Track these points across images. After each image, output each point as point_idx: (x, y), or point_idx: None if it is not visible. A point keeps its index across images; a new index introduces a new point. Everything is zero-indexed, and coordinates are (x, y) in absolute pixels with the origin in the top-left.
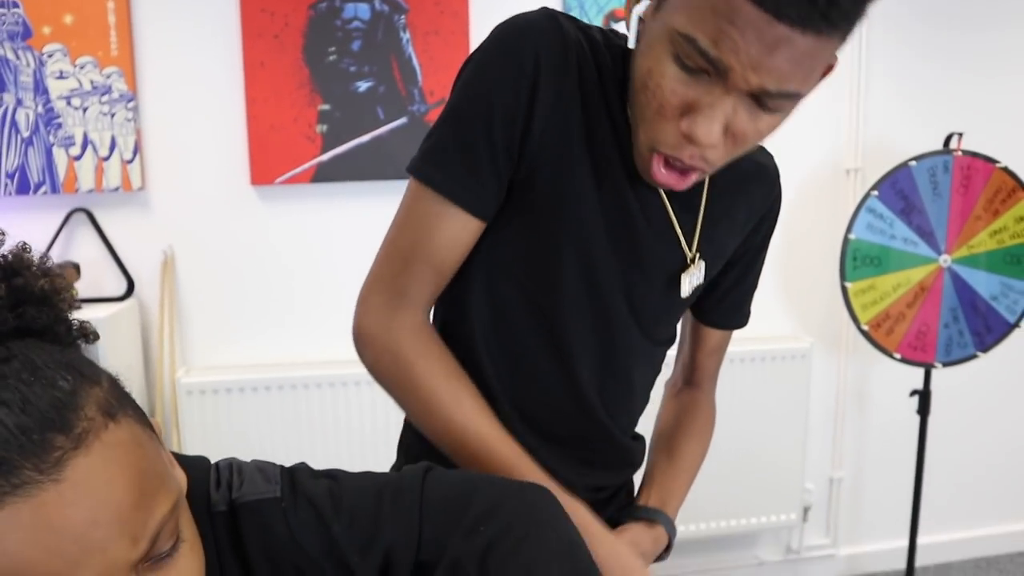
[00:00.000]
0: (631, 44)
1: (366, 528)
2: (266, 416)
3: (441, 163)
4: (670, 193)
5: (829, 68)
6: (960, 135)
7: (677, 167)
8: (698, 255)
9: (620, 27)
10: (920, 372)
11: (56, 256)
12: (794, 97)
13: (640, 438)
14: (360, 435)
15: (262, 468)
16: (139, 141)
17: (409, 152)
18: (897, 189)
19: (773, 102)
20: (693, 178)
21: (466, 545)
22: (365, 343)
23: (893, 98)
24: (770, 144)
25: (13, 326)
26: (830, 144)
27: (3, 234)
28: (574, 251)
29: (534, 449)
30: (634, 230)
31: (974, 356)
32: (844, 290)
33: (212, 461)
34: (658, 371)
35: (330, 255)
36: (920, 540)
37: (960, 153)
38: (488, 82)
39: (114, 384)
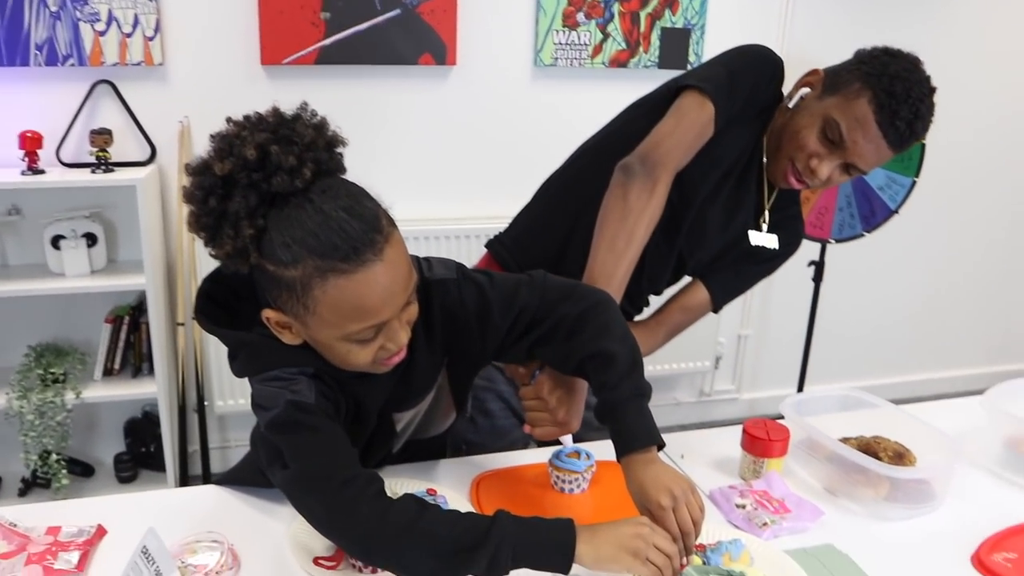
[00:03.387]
0: (791, 105)
1: (509, 297)
2: None
3: (716, 91)
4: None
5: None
6: None
7: (796, 178)
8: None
9: None
10: (818, 247)
11: (82, 123)
12: (863, 172)
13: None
14: None
15: (441, 260)
16: (160, 19)
17: (402, 41)
18: None
19: (853, 171)
20: (798, 186)
21: (569, 308)
22: (654, 165)
23: (816, 24)
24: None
25: (331, 166)
26: None
27: (307, 105)
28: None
29: None
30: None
31: (861, 235)
32: None
33: None
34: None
35: None
36: (806, 389)
37: None
38: (757, 68)
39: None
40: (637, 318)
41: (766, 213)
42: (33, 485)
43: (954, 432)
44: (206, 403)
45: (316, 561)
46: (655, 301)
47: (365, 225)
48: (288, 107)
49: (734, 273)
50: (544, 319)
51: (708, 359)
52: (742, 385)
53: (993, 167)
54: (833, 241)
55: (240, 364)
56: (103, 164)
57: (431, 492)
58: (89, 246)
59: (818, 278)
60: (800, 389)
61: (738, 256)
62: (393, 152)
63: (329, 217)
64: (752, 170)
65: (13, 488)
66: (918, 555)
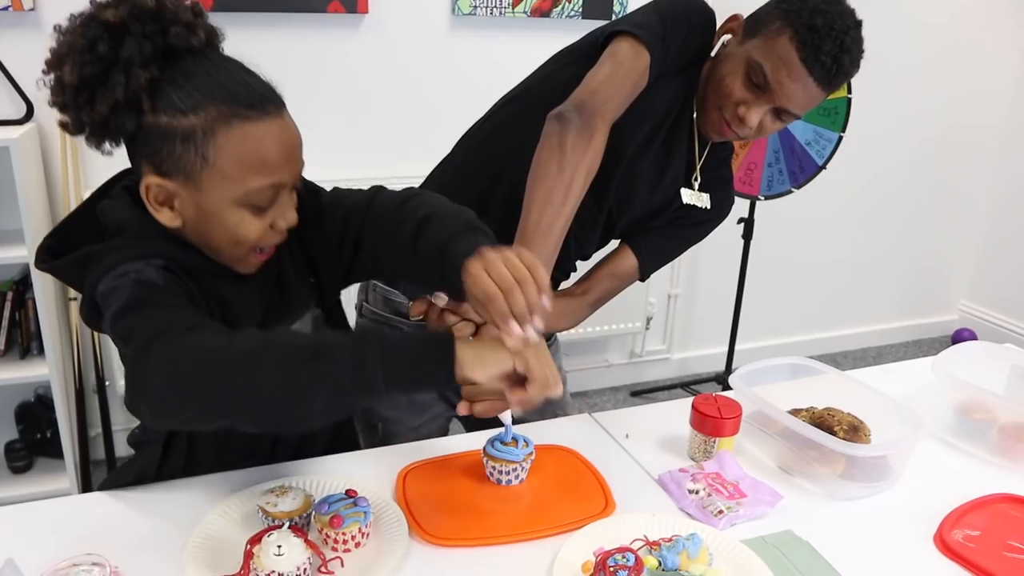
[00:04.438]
0: (713, 53)
1: (339, 199)
2: None
3: (651, 39)
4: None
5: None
6: None
7: (727, 128)
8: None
9: None
10: (747, 204)
11: None
12: (795, 116)
13: None
14: None
15: None
16: None
17: None
18: None
19: (785, 116)
20: (731, 136)
21: (396, 206)
22: (591, 113)
23: None
24: None
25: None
26: None
27: None
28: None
29: None
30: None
31: (789, 191)
32: None
33: None
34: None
35: None
36: (737, 347)
37: None
38: (689, 17)
39: None
40: (564, 284)
41: (698, 170)
42: None
43: (902, 398)
44: (107, 383)
45: None
46: (582, 267)
47: (266, 86)
48: None
49: (663, 238)
50: (374, 224)
51: (639, 320)
52: (673, 345)
53: (918, 122)
54: (762, 198)
55: (88, 285)
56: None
57: (351, 494)
58: None
59: (747, 235)
60: (731, 348)
61: (668, 219)
62: (300, 108)
63: (232, 72)
64: (683, 125)
65: None
66: (879, 537)
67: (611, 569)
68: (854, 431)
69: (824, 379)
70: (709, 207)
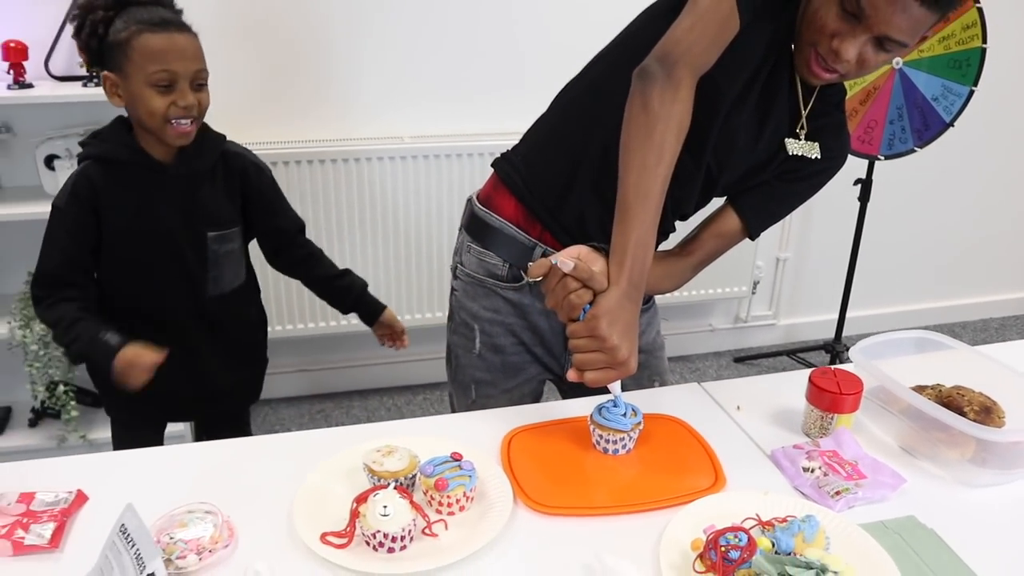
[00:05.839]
0: None
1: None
2: None
3: None
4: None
5: (923, 38)
6: None
7: (823, 66)
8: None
9: None
10: (864, 164)
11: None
12: (901, 45)
13: None
14: None
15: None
16: None
17: None
18: None
19: (889, 45)
20: (829, 77)
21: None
22: (674, 64)
23: None
24: None
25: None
26: None
27: None
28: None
29: None
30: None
31: (912, 151)
32: None
33: None
34: None
35: None
36: (848, 314)
37: None
38: None
39: None
40: (663, 245)
41: (804, 118)
42: (43, 415)
43: None
44: None
45: (323, 538)
46: (682, 227)
47: (177, 18)
48: None
49: (769, 195)
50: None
51: (745, 284)
52: (780, 311)
53: None
54: (882, 157)
55: None
56: (96, 77)
57: (456, 457)
58: None
59: (864, 197)
60: (842, 315)
61: (774, 174)
62: (382, 59)
63: (153, 9)
64: (782, 70)
65: (23, 419)
66: (1014, 531)
67: (723, 549)
68: (986, 412)
69: (953, 355)
70: (819, 156)
